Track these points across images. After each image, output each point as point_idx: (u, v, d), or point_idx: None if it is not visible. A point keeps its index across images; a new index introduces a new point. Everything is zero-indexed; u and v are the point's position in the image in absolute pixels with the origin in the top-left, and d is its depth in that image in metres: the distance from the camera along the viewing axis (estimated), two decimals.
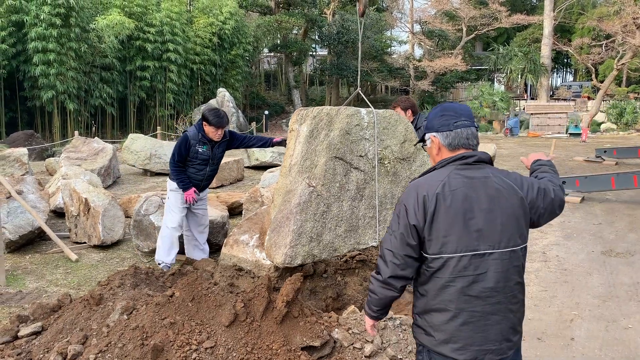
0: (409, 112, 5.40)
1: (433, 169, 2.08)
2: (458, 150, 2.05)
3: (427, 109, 30.41)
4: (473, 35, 30.12)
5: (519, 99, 34.54)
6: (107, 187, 9.79)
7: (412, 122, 5.29)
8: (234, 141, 5.21)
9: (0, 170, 8.86)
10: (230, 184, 10.45)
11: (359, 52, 4.89)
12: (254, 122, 21.96)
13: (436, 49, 32.20)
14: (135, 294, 3.83)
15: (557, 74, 53.25)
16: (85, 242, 6.51)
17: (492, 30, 30.13)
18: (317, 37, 28.41)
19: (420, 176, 2.10)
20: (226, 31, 21.68)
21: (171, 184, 5.17)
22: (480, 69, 34.57)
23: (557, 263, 5.80)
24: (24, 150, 9.08)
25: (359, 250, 5.27)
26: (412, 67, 30.36)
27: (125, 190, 9.85)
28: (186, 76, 20.67)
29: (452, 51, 30.19)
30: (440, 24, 29.91)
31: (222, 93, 19.48)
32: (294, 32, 30.39)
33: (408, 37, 35.36)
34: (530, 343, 3.89)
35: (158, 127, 16.47)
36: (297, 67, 30.39)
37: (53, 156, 12.54)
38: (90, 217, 6.39)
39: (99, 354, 3.18)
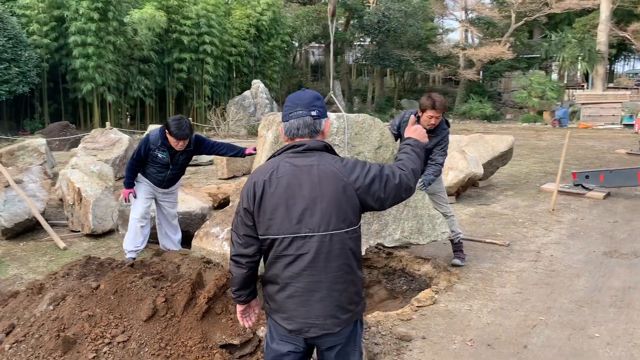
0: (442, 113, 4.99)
1: (273, 156, 2.22)
2: (294, 140, 2.20)
3: (473, 99, 29.46)
4: (522, 22, 28.79)
5: (576, 88, 32.88)
6: (122, 177, 10.03)
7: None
8: (200, 149, 5.12)
9: (21, 159, 9.23)
10: (244, 174, 10.47)
11: (331, 54, 4.70)
12: None
13: (484, 37, 31.10)
14: (75, 284, 3.85)
15: (624, 61, 50.27)
16: (79, 231, 6.67)
17: (543, 16, 28.70)
18: (358, 26, 27.91)
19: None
20: (263, 22, 21.74)
21: (138, 177, 5.20)
22: (532, 57, 33.09)
23: (548, 263, 5.44)
24: (42, 141, 9.43)
25: None
26: (462, 55, 29.46)
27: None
28: (223, 68, 20.91)
29: (501, 39, 29.02)
30: (486, 10, 28.79)
31: (257, 84, 19.57)
32: (340, 21, 30.13)
33: (459, 25, 34.40)
34: (477, 349, 3.64)
35: (190, 119, 16.74)
36: (339, 57, 30.11)
37: None
38: (82, 206, 6.54)
39: (15, 344, 3.21)
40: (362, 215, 4.38)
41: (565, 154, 7.92)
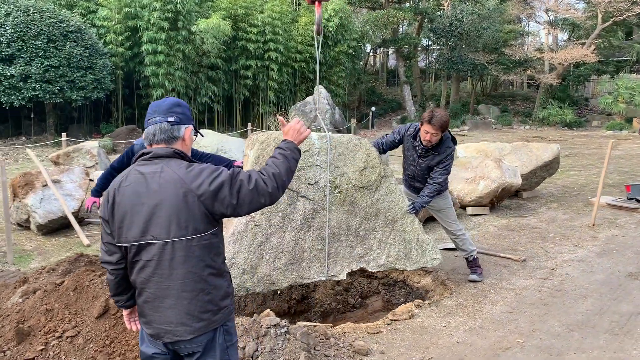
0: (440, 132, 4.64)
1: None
2: (152, 146, 2.20)
3: (552, 104, 27.94)
4: (610, 23, 26.87)
5: None
6: None
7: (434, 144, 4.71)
8: None
9: (75, 160, 9.92)
10: None
11: (317, 72, 4.67)
12: (354, 119, 21.95)
13: (568, 39, 29.41)
14: (54, 279, 4.09)
15: None
16: None
17: (633, 15, 26.60)
18: (429, 30, 27.35)
19: None
20: (330, 28, 21.88)
21: None
22: (623, 60, 30.81)
23: (558, 282, 5.05)
24: (94, 144, 10.07)
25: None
26: (542, 59, 28.03)
27: None
28: (288, 74, 21.27)
29: (585, 41, 27.30)
30: (571, 11, 27.20)
31: (318, 90, 19.72)
32: (407, 25, 29.74)
33: (541, 27, 32.79)
34: None
35: (249, 124, 17.21)
36: (411, 61, 29.67)
37: None
38: None
39: None
40: (345, 237, 4.28)
41: (607, 164, 7.30)
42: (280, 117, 2.62)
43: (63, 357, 3.25)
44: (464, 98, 33.42)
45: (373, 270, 4.56)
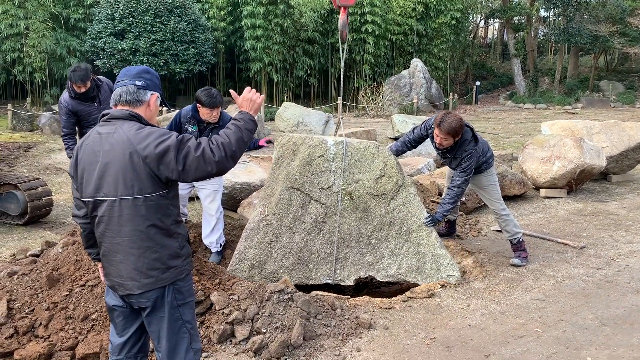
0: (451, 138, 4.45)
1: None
2: (116, 107, 2.32)
3: None
4: None
5: None
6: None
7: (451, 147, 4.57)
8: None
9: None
10: None
11: (342, 71, 4.62)
12: (453, 94, 21.12)
13: None
14: None
15: None
16: None
17: None
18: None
19: None
20: None
21: None
22: None
23: (612, 273, 4.61)
24: None
25: None
26: None
27: (264, 152, 10.79)
28: (385, 47, 20.91)
29: None
30: None
31: (415, 63, 19.22)
32: None
33: None
34: (429, 349, 3.35)
35: (339, 98, 17.22)
36: (522, 33, 27.76)
37: None
38: None
39: (22, 275, 3.91)
40: (356, 243, 4.32)
41: None
42: (231, 90, 2.63)
43: (82, 303, 3.58)
44: (584, 73, 30.75)
45: (382, 280, 4.49)
